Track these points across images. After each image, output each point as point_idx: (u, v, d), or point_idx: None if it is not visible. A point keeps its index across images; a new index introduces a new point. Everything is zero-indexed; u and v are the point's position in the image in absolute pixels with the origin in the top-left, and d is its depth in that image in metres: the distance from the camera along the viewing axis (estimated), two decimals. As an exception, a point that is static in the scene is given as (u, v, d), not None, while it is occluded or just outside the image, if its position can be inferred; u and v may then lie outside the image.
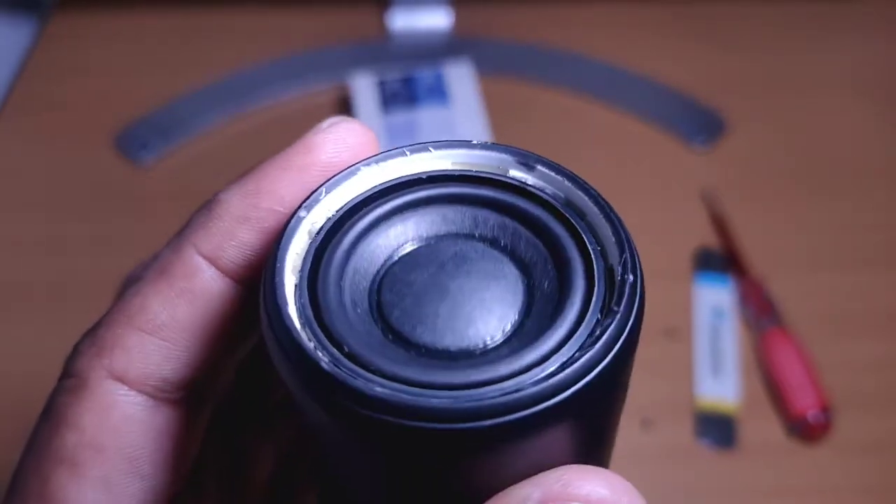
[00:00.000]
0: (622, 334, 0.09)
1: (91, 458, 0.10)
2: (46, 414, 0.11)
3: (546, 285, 0.09)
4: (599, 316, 0.09)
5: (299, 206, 0.09)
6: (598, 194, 0.10)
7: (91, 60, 0.51)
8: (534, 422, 0.08)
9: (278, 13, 0.54)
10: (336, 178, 0.09)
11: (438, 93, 0.42)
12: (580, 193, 0.10)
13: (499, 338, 0.09)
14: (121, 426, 0.10)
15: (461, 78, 0.42)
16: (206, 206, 0.10)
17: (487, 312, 0.09)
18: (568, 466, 0.09)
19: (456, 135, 0.40)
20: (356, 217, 0.09)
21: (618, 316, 0.09)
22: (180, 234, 0.10)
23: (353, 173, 0.09)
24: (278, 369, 0.09)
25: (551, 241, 0.09)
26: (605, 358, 0.08)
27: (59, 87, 0.50)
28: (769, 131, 0.47)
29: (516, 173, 0.10)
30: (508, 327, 0.09)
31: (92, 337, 0.11)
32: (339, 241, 0.09)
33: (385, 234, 0.09)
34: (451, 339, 0.09)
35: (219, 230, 0.10)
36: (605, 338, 0.09)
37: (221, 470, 0.12)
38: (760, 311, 0.37)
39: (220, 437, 0.12)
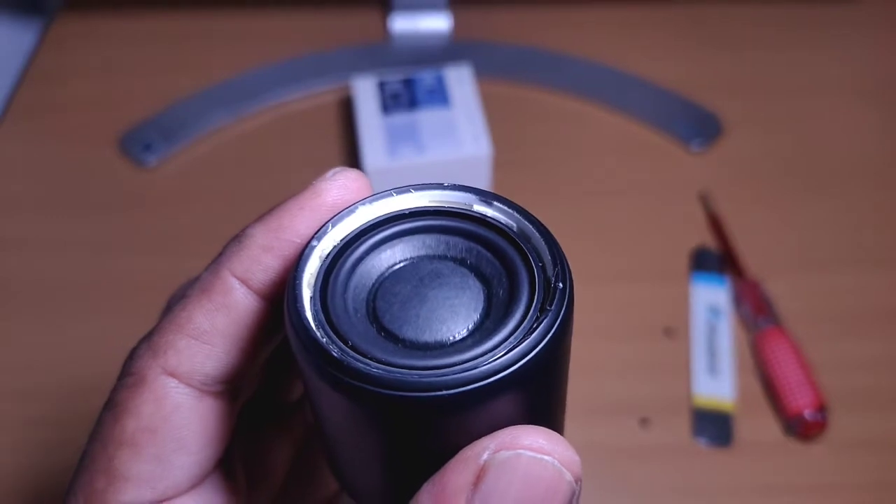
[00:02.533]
0: (553, 325, 0.12)
1: (147, 438, 0.13)
2: (109, 405, 0.13)
3: (501, 294, 0.12)
4: (538, 314, 0.12)
5: (312, 237, 0.13)
6: (540, 223, 0.13)
7: (95, 62, 0.51)
8: (486, 391, 0.11)
9: (281, 16, 0.54)
10: (340, 214, 0.13)
11: (438, 95, 0.42)
12: (527, 223, 0.13)
13: (464, 333, 0.12)
14: (172, 413, 0.13)
15: (461, 80, 0.43)
16: (237, 238, 0.14)
17: (456, 315, 0.12)
18: (519, 426, 0.11)
19: (456, 135, 0.40)
20: (355, 245, 0.13)
21: (550, 313, 0.12)
22: (217, 261, 0.13)
23: (352, 211, 0.13)
24: (298, 359, 0.12)
25: (506, 260, 0.13)
26: (540, 342, 0.12)
27: (62, 89, 0.50)
28: (765, 133, 0.47)
29: (479, 208, 0.13)
30: (471, 325, 0.12)
31: (148, 342, 0.13)
32: (343, 263, 0.12)
33: (378, 257, 0.13)
34: (428, 335, 0.12)
35: (248, 257, 0.13)
36: (540, 328, 0.12)
37: (247, 456, 0.15)
38: (757, 310, 0.38)
39: (245, 429, 0.15)
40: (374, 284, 0.12)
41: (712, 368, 0.37)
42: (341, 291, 0.12)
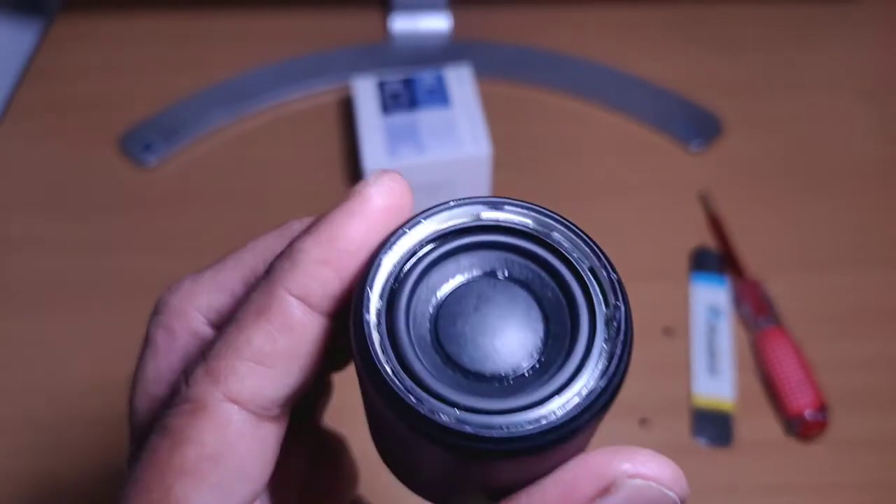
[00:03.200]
0: (620, 362, 0.12)
1: (210, 468, 0.12)
2: (163, 432, 0.13)
3: (561, 320, 0.12)
4: (604, 345, 0.12)
5: (376, 256, 0.12)
6: (603, 255, 0.13)
7: (95, 62, 0.52)
8: (560, 437, 0.11)
9: (281, 16, 0.54)
10: (400, 230, 0.12)
11: (438, 95, 0.42)
12: (585, 247, 0.13)
13: (530, 363, 0.12)
14: (234, 440, 0.13)
15: (461, 80, 0.43)
16: (285, 255, 0.13)
17: (521, 341, 0.12)
18: (646, 451, 0.13)
19: (456, 135, 0.40)
20: (416, 267, 0.12)
21: (616, 351, 0.12)
22: (269, 280, 0.13)
23: (414, 225, 0.12)
24: (365, 390, 0.12)
25: (564, 285, 0.12)
26: (612, 381, 0.12)
27: (62, 89, 0.50)
28: (765, 133, 0.47)
29: (541, 228, 0.13)
30: (536, 355, 0.12)
31: (204, 367, 0.13)
32: (405, 283, 0.12)
33: (438, 275, 0.12)
34: (493, 365, 0.12)
35: (304, 273, 0.12)
36: (611, 367, 0.12)
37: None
38: (757, 310, 0.38)
39: None
40: (436, 305, 0.12)
41: (712, 368, 0.37)
42: (405, 316, 0.12)
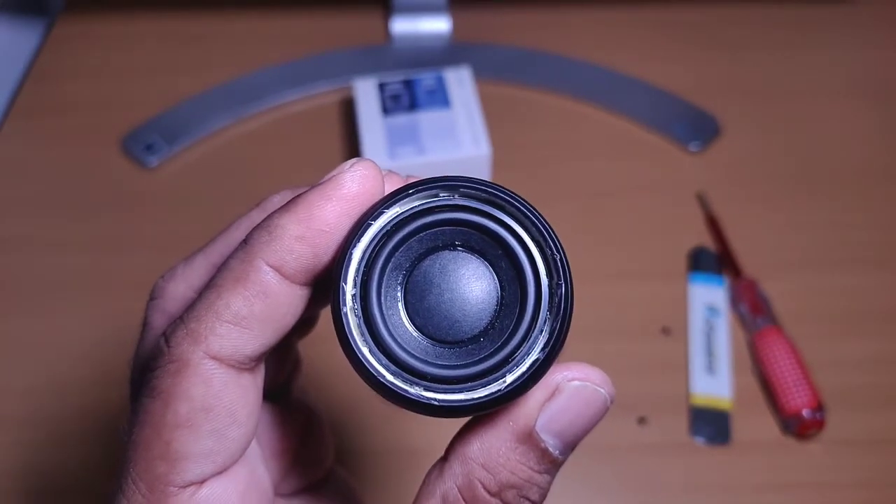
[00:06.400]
0: (563, 326, 0.14)
1: (203, 418, 0.14)
2: (152, 393, 0.14)
3: (511, 295, 0.14)
4: (548, 314, 0.14)
5: (352, 238, 0.14)
6: (550, 232, 0.14)
7: (97, 63, 0.52)
8: (518, 389, 0.14)
9: (283, 18, 0.55)
10: (370, 216, 0.14)
11: (438, 96, 0.42)
12: (534, 219, 0.14)
13: (482, 328, 0.14)
14: (220, 391, 0.14)
15: (461, 81, 0.43)
16: (264, 227, 0.14)
17: (475, 315, 0.14)
18: (582, 364, 0.15)
19: (456, 136, 0.40)
20: (387, 243, 0.14)
21: (558, 317, 0.14)
22: (246, 250, 0.14)
23: (368, 226, 0.14)
24: (347, 357, 0.14)
25: (515, 261, 0.14)
26: (550, 344, 0.14)
27: (65, 90, 0.50)
28: (763, 133, 0.47)
29: (493, 206, 0.14)
30: (488, 324, 0.14)
31: (185, 329, 0.14)
32: (375, 258, 0.14)
33: (406, 253, 0.14)
34: (455, 332, 0.14)
35: (281, 247, 0.14)
36: (552, 337, 0.14)
37: (261, 433, 0.17)
38: (754, 309, 0.38)
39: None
40: (403, 284, 0.14)
41: (710, 367, 0.37)
42: (377, 299, 0.13)
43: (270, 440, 0.17)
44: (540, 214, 0.14)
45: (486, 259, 0.14)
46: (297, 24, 0.54)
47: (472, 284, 0.14)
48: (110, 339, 0.39)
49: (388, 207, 0.14)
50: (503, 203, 0.14)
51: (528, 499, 0.14)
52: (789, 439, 0.35)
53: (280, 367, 0.18)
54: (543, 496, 0.15)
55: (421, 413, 0.14)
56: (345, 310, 0.13)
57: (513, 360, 0.13)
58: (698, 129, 0.47)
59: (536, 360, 0.13)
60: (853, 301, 0.39)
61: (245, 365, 0.14)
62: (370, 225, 0.14)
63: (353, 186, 0.14)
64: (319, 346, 0.20)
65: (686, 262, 0.41)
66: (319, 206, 0.14)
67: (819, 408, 0.34)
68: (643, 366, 0.37)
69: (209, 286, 0.14)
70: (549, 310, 0.14)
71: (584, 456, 0.34)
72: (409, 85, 0.43)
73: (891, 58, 0.52)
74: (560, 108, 0.49)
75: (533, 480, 0.14)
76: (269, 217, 0.14)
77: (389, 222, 0.14)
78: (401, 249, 0.14)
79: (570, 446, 0.15)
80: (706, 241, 0.42)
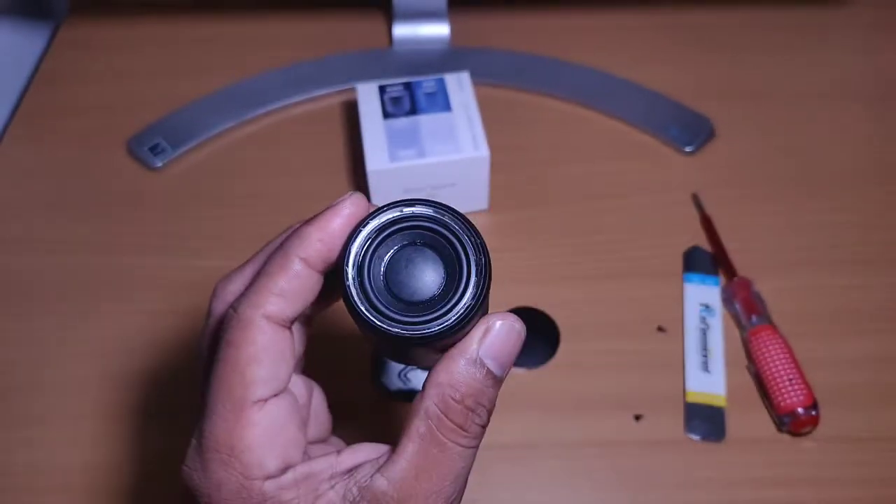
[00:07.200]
0: (488, 283, 0.21)
1: (264, 355, 0.21)
2: (228, 344, 0.21)
3: (455, 266, 0.21)
4: (477, 279, 0.21)
5: (351, 238, 0.21)
6: (473, 230, 0.21)
7: (102, 67, 0.52)
8: (457, 327, 0.20)
9: (287, 23, 0.55)
10: (361, 224, 0.21)
11: (439, 99, 0.43)
12: (463, 224, 0.21)
13: (435, 293, 0.21)
14: (273, 338, 0.21)
15: (461, 85, 0.44)
16: (296, 235, 0.21)
17: (432, 279, 0.21)
18: (504, 312, 0.21)
19: (456, 139, 0.41)
20: (373, 241, 0.21)
21: (484, 277, 0.21)
22: (285, 250, 0.21)
23: (366, 223, 0.21)
24: (348, 309, 0.21)
25: (454, 248, 0.21)
26: (479, 297, 0.20)
27: (70, 93, 0.51)
28: (757, 135, 0.48)
29: (439, 215, 0.21)
30: (439, 290, 0.21)
31: (247, 299, 0.21)
32: (367, 253, 0.21)
33: (384, 247, 0.21)
34: (419, 295, 0.21)
35: (308, 245, 0.21)
36: (482, 289, 0.21)
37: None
38: (748, 308, 0.38)
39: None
40: (385, 264, 0.21)
41: (705, 365, 0.37)
42: (368, 267, 0.21)
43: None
44: (465, 218, 0.21)
45: (435, 250, 0.21)
46: (301, 28, 0.55)
47: (427, 266, 0.21)
48: (115, 336, 0.39)
49: (370, 220, 0.21)
50: (443, 213, 0.21)
51: (481, 405, 0.21)
52: (784, 436, 0.35)
53: (302, 338, 0.24)
54: (492, 404, 0.21)
55: (398, 344, 0.20)
56: (348, 283, 0.20)
57: (454, 306, 0.20)
58: (693, 131, 0.47)
59: (469, 304, 0.20)
60: (846, 300, 0.40)
61: (286, 323, 0.21)
62: (361, 231, 0.21)
63: (350, 208, 0.21)
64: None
65: (681, 262, 0.42)
66: (330, 221, 0.21)
67: (813, 405, 0.35)
68: (639, 363, 0.38)
69: (260, 273, 0.21)
70: (477, 274, 0.20)
71: (582, 452, 0.35)
72: (410, 89, 0.43)
73: (885, 60, 0.52)
74: (557, 111, 0.49)
75: (483, 391, 0.21)
76: (298, 229, 0.21)
77: (373, 229, 0.21)
78: (381, 246, 0.21)
79: (504, 366, 0.21)
80: (701, 241, 0.42)
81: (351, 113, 0.49)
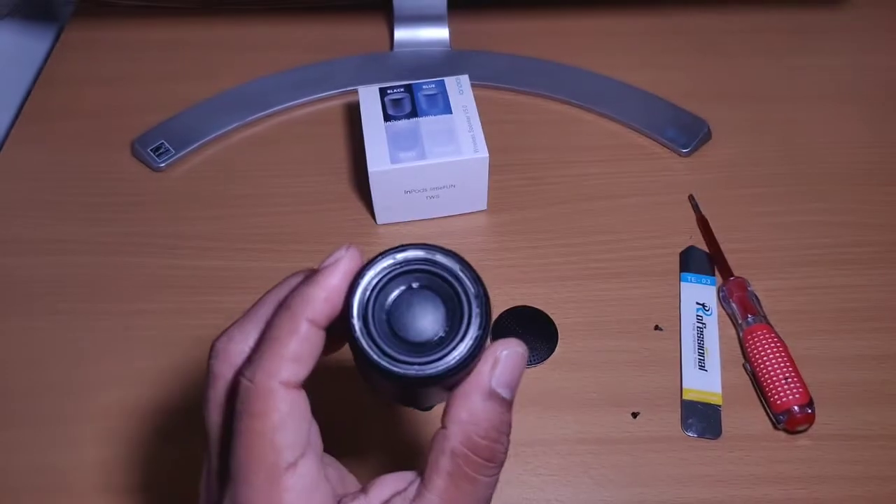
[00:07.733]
0: (486, 330, 0.21)
1: (289, 420, 0.21)
2: (251, 415, 0.20)
3: (455, 310, 0.21)
4: (478, 323, 0.21)
5: (352, 292, 0.21)
6: (470, 268, 0.21)
7: (106, 69, 0.52)
8: (454, 371, 0.21)
9: (290, 26, 0.55)
10: (360, 278, 0.21)
11: (439, 102, 0.43)
12: (465, 268, 0.22)
13: (441, 334, 0.21)
14: (293, 403, 0.21)
15: (460, 88, 0.44)
16: (300, 296, 0.21)
17: (433, 323, 0.21)
18: (510, 339, 0.21)
19: (456, 141, 0.41)
20: (373, 292, 0.21)
21: (483, 326, 0.21)
22: (292, 312, 0.21)
23: (358, 284, 0.21)
24: (358, 363, 0.21)
25: (454, 289, 0.21)
26: (478, 344, 0.21)
27: (75, 95, 0.51)
28: (752, 137, 0.48)
29: (440, 259, 0.22)
30: (442, 333, 0.21)
31: (262, 369, 0.21)
32: (370, 300, 0.21)
33: (385, 293, 0.22)
34: (421, 337, 0.21)
35: (315, 307, 0.21)
36: (480, 335, 0.21)
37: None
38: (744, 307, 0.39)
39: None
40: (387, 311, 0.21)
41: (702, 364, 0.38)
42: (372, 316, 0.21)
43: None
44: (457, 255, 0.21)
45: (433, 290, 0.21)
46: (303, 32, 0.55)
47: (427, 306, 0.21)
48: (120, 335, 0.40)
49: (367, 271, 0.21)
50: (434, 252, 0.21)
51: (503, 433, 0.21)
52: (779, 434, 0.35)
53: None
54: (510, 427, 0.22)
55: (412, 385, 0.21)
56: (357, 335, 0.21)
57: (461, 340, 0.21)
58: (690, 133, 0.48)
59: (471, 346, 0.21)
60: (841, 300, 0.40)
61: (300, 385, 0.21)
62: (360, 283, 0.21)
63: (349, 264, 0.21)
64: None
65: (678, 262, 0.42)
66: (331, 278, 0.21)
67: (809, 403, 0.35)
68: (636, 362, 0.38)
69: (269, 338, 0.21)
70: (478, 306, 0.21)
71: (580, 449, 0.35)
72: (410, 91, 0.44)
73: (879, 62, 0.52)
74: (555, 113, 0.49)
75: (502, 420, 0.21)
76: (301, 290, 0.21)
77: (371, 279, 0.21)
78: (381, 293, 0.21)
79: (514, 389, 0.21)
80: (698, 241, 0.43)
81: (352, 115, 0.50)
